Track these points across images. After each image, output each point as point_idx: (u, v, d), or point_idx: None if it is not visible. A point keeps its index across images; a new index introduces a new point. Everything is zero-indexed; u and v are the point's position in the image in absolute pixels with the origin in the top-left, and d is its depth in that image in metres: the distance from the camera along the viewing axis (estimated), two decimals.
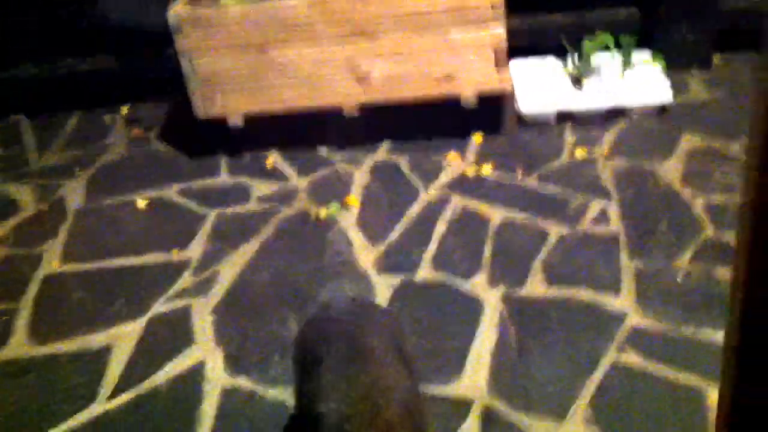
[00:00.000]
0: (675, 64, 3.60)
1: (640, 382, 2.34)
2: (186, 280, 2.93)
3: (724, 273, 2.64)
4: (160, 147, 3.72)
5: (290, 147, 3.52)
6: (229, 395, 2.48)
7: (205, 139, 3.57)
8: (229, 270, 2.95)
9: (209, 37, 3.20)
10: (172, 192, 3.40)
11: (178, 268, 2.98)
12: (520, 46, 3.63)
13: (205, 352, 2.63)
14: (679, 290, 2.62)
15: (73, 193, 3.47)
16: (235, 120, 3.39)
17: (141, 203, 3.35)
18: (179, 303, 2.83)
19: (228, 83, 3.29)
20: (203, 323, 2.74)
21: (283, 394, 2.44)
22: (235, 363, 2.58)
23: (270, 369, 2.54)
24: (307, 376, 1.80)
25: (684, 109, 3.47)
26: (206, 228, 3.17)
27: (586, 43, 3.51)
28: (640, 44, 3.62)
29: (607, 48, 3.55)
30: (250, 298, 2.81)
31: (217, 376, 2.54)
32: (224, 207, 3.26)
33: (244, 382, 2.51)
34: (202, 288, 2.87)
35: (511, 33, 3.31)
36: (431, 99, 3.30)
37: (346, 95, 3.30)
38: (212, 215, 3.23)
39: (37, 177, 3.62)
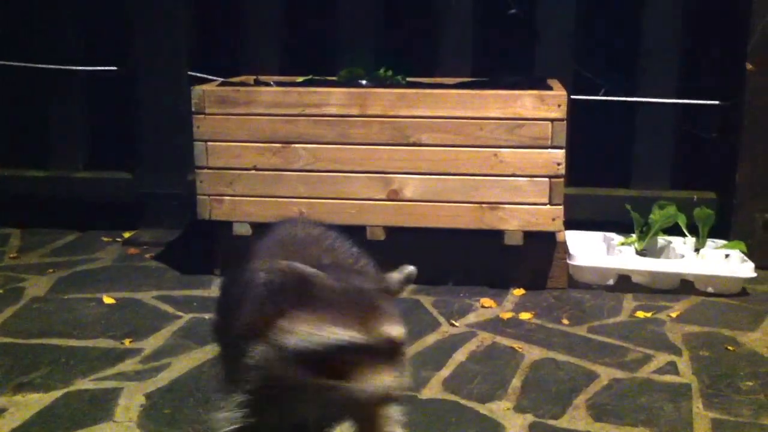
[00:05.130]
0: (758, 265, 2.96)
1: None
2: (128, 365, 2.30)
3: None
4: (151, 263, 3.24)
5: None
6: None
7: (204, 255, 3.08)
8: (184, 362, 2.32)
9: (232, 122, 2.85)
10: (147, 296, 2.86)
11: (124, 355, 2.37)
12: (578, 219, 3.19)
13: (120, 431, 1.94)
14: None
15: (36, 285, 2.96)
16: (242, 227, 2.91)
17: (107, 300, 2.80)
18: (110, 384, 2.18)
19: (242, 181, 2.87)
20: (130, 404, 2.07)
21: None
22: None
23: None
24: None
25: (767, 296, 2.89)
26: (174, 326, 2.59)
27: (655, 210, 3.04)
28: (717, 234, 3.13)
29: (677, 226, 3.08)
30: (201, 389, 2.16)
31: None
32: (204, 312, 2.69)
33: None
34: (144, 374, 2.24)
35: (570, 205, 2.94)
36: (470, 230, 2.81)
37: (372, 213, 2.84)
38: (186, 317, 2.66)
39: (7, 270, 3.13)
